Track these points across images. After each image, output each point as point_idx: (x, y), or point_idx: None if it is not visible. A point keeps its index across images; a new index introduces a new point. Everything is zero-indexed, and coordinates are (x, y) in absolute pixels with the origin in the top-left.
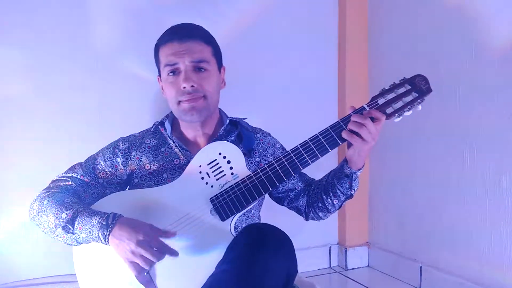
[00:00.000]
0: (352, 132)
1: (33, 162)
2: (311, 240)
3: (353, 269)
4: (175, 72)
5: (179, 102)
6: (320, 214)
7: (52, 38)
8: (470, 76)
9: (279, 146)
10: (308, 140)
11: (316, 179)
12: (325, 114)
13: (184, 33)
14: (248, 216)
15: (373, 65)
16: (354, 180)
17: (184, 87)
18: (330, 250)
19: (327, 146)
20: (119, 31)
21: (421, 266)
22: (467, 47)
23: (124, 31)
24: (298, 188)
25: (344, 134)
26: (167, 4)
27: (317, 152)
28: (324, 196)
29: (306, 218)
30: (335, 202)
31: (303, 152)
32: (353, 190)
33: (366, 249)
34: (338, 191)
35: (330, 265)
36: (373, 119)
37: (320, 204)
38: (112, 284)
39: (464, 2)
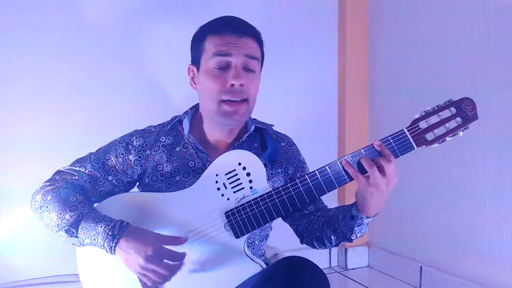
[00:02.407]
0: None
1: (34, 162)
2: None
3: (353, 269)
4: (223, 66)
5: (220, 101)
6: (315, 244)
7: (52, 38)
8: (470, 76)
9: (301, 160)
10: (336, 161)
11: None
12: (325, 114)
13: (241, 28)
14: (261, 229)
15: (373, 65)
16: (358, 226)
17: (233, 85)
18: (330, 250)
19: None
20: (119, 31)
21: (421, 266)
22: (467, 47)
23: (123, 31)
24: (306, 211)
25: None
26: (165, 5)
27: (345, 176)
28: (324, 227)
29: (301, 241)
30: (332, 238)
31: (330, 173)
32: (354, 235)
33: (366, 249)
34: (338, 228)
35: (330, 265)
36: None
37: (318, 234)
38: (116, 286)
39: (464, 2)
